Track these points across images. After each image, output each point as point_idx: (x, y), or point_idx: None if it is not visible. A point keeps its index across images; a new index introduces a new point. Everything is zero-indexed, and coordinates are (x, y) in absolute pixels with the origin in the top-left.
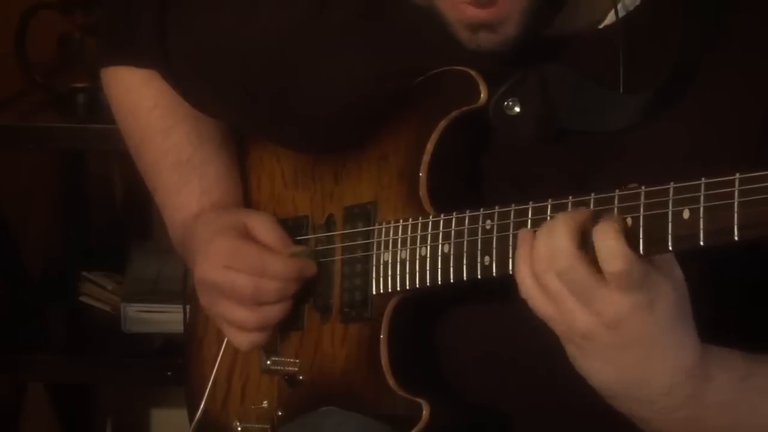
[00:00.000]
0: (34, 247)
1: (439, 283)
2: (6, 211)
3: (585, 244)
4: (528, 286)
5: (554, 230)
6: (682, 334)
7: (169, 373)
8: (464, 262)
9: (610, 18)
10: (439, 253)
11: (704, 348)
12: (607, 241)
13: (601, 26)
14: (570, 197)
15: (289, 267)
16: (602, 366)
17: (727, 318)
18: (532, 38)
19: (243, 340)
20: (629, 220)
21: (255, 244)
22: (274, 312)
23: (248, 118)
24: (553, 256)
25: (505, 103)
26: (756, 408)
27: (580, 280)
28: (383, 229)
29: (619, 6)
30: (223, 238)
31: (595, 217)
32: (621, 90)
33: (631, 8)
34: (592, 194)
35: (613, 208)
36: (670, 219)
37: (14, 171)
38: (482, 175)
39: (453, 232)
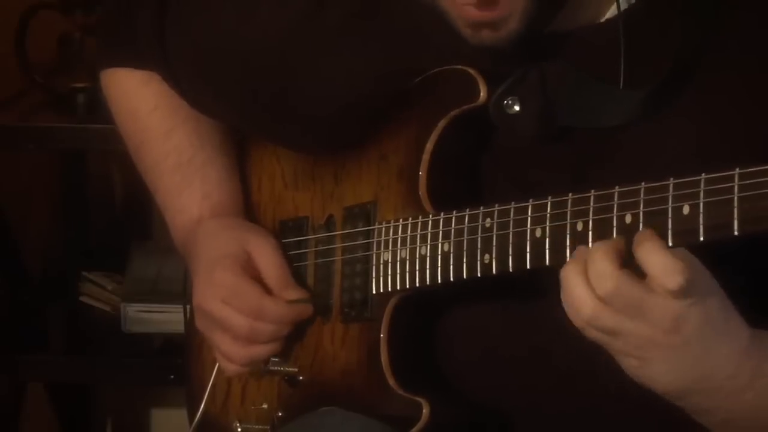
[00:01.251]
0: (34, 247)
1: (439, 282)
2: (6, 211)
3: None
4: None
5: (592, 258)
6: (731, 319)
7: (169, 374)
8: (464, 260)
9: (611, 13)
10: (439, 252)
11: (753, 329)
12: (660, 257)
13: (601, 20)
14: (570, 194)
15: (286, 312)
16: (666, 370)
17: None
18: (534, 34)
19: (230, 369)
20: (628, 217)
21: (255, 286)
22: (264, 351)
23: (248, 119)
24: (597, 281)
25: (505, 101)
26: None
27: (632, 293)
28: (383, 229)
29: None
30: (224, 270)
31: (628, 239)
32: (621, 85)
33: (633, 1)
34: (592, 191)
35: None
36: (669, 215)
37: (14, 171)
38: (482, 174)
39: (453, 230)
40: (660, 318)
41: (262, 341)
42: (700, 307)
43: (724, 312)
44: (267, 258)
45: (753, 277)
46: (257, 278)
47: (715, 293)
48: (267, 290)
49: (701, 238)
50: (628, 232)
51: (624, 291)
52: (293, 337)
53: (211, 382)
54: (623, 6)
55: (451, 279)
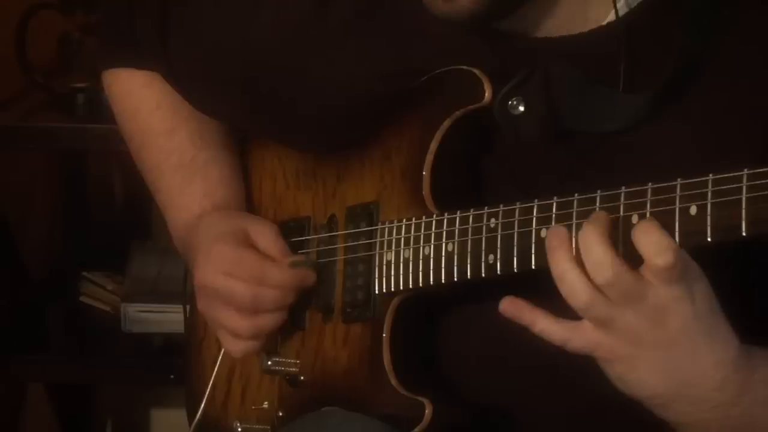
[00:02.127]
0: (34, 247)
1: (443, 282)
2: (6, 211)
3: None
4: (573, 339)
5: (587, 244)
6: (721, 327)
7: (169, 374)
8: (468, 261)
9: (612, 17)
10: (443, 252)
11: (743, 344)
12: (653, 236)
13: (603, 23)
14: (576, 195)
15: (289, 276)
16: (651, 373)
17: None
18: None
19: (236, 347)
20: (635, 217)
21: (256, 252)
22: (270, 320)
23: (250, 118)
24: (593, 269)
25: (510, 102)
26: None
27: (625, 285)
28: (386, 229)
29: (622, 3)
30: (224, 244)
31: (615, 219)
32: (621, 88)
33: (634, 5)
34: (599, 191)
35: (619, 205)
36: (676, 215)
37: (14, 171)
38: (486, 175)
39: (457, 230)
40: (649, 308)
41: (267, 309)
42: (688, 304)
43: (714, 317)
44: (266, 235)
45: (747, 291)
46: (256, 250)
47: (705, 295)
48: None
49: (709, 239)
50: None
51: (622, 280)
52: (294, 337)
53: (211, 382)
54: (625, 9)
55: (455, 279)
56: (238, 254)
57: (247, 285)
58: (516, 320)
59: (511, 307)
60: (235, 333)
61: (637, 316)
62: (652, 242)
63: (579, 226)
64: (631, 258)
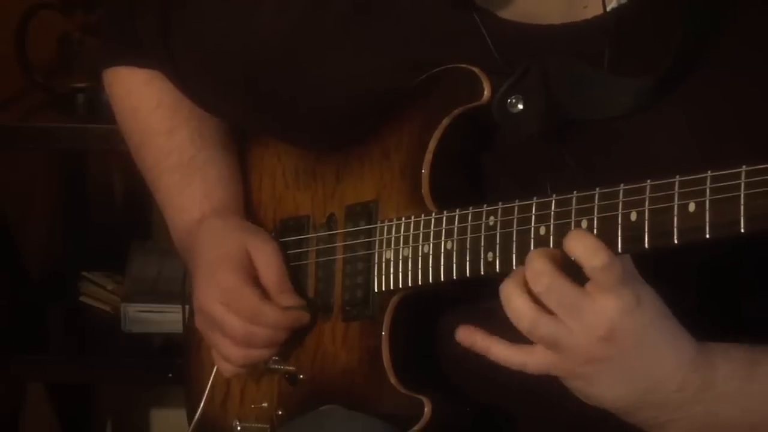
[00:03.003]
0: (34, 247)
1: (442, 280)
2: (6, 211)
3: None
4: (514, 358)
5: (529, 260)
6: (674, 329)
7: (169, 374)
8: (467, 258)
9: (609, 6)
10: (442, 250)
11: (700, 342)
12: (582, 240)
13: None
14: (575, 192)
15: (283, 319)
16: (612, 385)
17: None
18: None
19: (227, 369)
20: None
21: (254, 290)
22: (261, 354)
23: (251, 116)
24: (534, 278)
25: (509, 100)
26: None
27: (563, 292)
28: (385, 227)
29: None
30: (225, 272)
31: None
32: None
33: None
34: (597, 189)
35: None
36: (675, 212)
37: (14, 171)
38: (485, 173)
39: (456, 228)
40: (594, 323)
41: (258, 345)
42: (636, 313)
43: (665, 321)
44: (267, 260)
45: (705, 291)
46: (257, 280)
47: (652, 301)
48: (266, 294)
49: (707, 236)
50: (634, 230)
51: (558, 286)
52: (294, 336)
53: (210, 382)
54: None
55: (454, 278)
56: (237, 287)
57: (242, 322)
58: (473, 349)
59: (466, 335)
60: (226, 359)
61: (585, 334)
62: (585, 246)
63: (577, 224)
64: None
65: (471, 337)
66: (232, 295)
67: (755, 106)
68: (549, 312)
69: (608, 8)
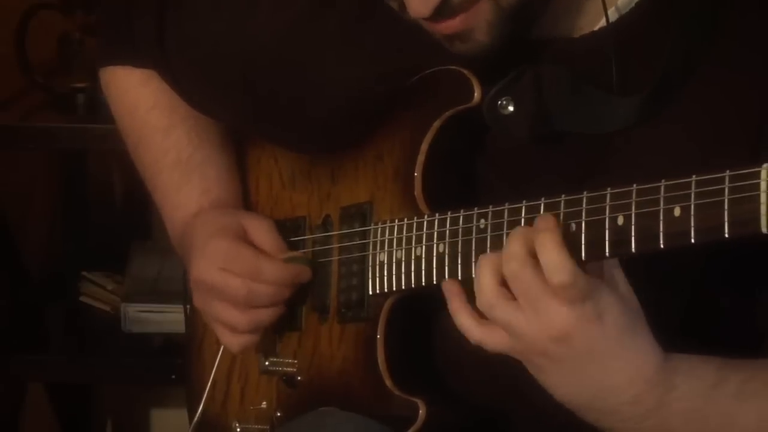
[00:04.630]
0: (34, 247)
1: (435, 282)
2: (6, 211)
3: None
4: (474, 333)
5: (509, 239)
6: (637, 344)
7: (169, 374)
8: (459, 261)
9: (603, 22)
10: (434, 253)
11: (667, 357)
12: (548, 253)
13: (595, 28)
14: (563, 195)
15: (284, 272)
16: (561, 381)
17: (696, 323)
18: (521, 40)
19: (234, 341)
20: (621, 219)
21: (251, 247)
22: (266, 315)
23: (246, 118)
24: (506, 260)
25: (499, 102)
26: (731, 416)
27: (528, 283)
28: (379, 229)
29: (612, 9)
30: (219, 239)
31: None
32: (614, 90)
33: (624, 12)
34: (585, 193)
35: (559, 213)
36: (661, 217)
37: (14, 171)
38: (477, 175)
39: (448, 231)
40: (549, 322)
41: (262, 304)
42: (594, 325)
43: (626, 336)
44: (262, 230)
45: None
46: (252, 245)
47: (616, 315)
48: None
49: (692, 240)
50: (621, 234)
51: (525, 275)
52: (291, 338)
53: (210, 381)
54: (616, 15)
55: (446, 280)
56: (233, 249)
57: (242, 280)
58: (448, 304)
59: (450, 287)
60: (231, 327)
61: (539, 330)
62: (550, 260)
63: (566, 228)
64: None
65: (451, 290)
66: (228, 257)
67: (755, 110)
68: (513, 296)
69: (596, 27)
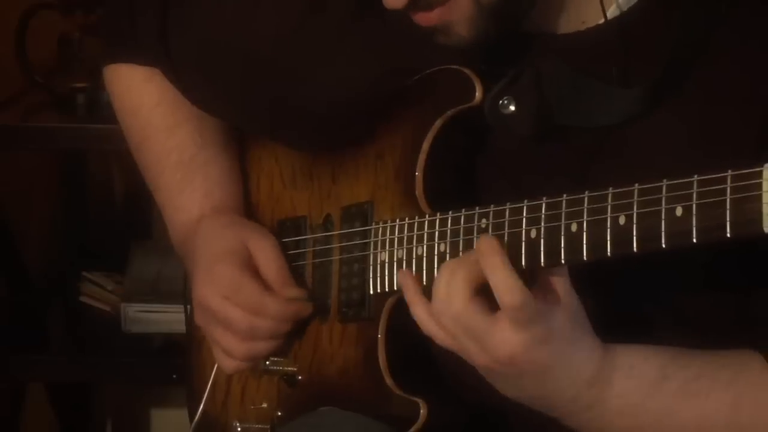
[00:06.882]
0: (34, 247)
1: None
2: (6, 211)
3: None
4: (427, 325)
5: (455, 274)
6: (580, 349)
7: (169, 374)
8: None
9: (608, 15)
10: (436, 253)
11: (606, 355)
12: (498, 275)
13: (600, 22)
14: (564, 195)
15: (286, 309)
16: (505, 386)
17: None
18: (521, 35)
19: (229, 364)
20: (622, 219)
21: (256, 281)
22: (264, 347)
23: (247, 117)
24: (449, 299)
25: (500, 101)
26: (669, 413)
27: (474, 324)
28: (380, 229)
29: (614, 6)
30: (225, 265)
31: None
32: (615, 83)
33: (625, 8)
34: (586, 192)
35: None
36: (662, 216)
37: (14, 171)
38: (478, 174)
39: (449, 231)
40: (495, 349)
41: (261, 338)
42: (542, 346)
43: (570, 346)
44: (267, 255)
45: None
46: (257, 274)
47: (566, 330)
48: (266, 287)
49: (694, 240)
50: (622, 233)
51: (470, 317)
52: (292, 337)
53: (210, 382)
54: (617, 12)
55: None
56: (237, 280)
57: (244, 314)
58: (403, 294)
59: (405, 280)
60: (228, 353)
61: (483, 355)
62: (500, 282)
63: (567, 227)
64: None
65: (406, 283)
66: (233, 288)
67: (758, 104)
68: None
69: (600, 22)
